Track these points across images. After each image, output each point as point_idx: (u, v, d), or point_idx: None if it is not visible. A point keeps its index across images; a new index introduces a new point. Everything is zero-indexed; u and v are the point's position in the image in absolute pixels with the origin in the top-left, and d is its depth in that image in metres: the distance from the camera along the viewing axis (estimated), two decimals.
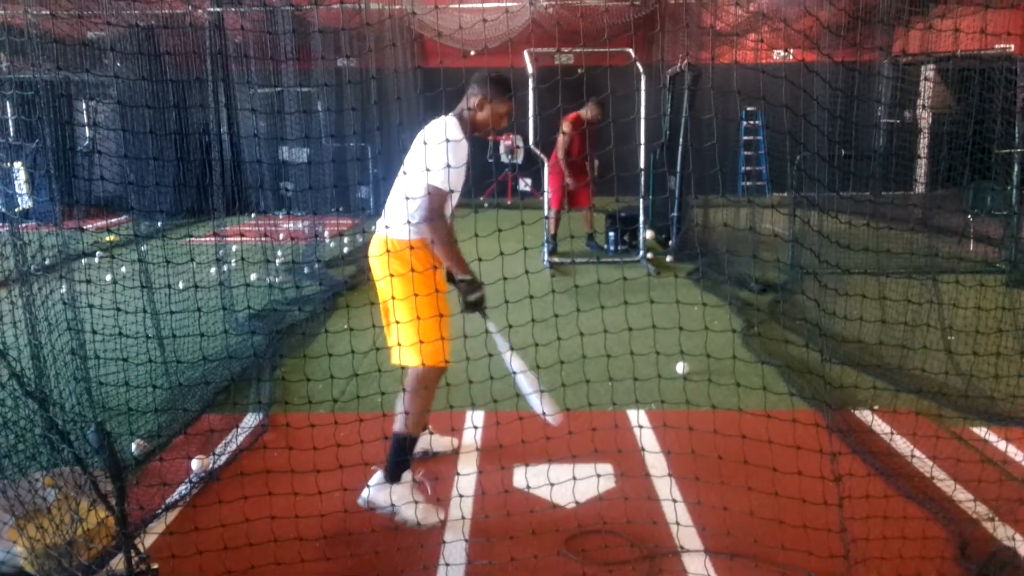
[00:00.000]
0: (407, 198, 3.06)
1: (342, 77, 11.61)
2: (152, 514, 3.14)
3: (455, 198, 3.14)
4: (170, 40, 8.03)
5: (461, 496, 3.19)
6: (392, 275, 3.08)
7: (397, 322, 3.07)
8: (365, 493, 3.15)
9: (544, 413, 3.10)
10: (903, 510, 2.99)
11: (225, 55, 9.25)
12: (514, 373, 3.15)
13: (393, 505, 3.06)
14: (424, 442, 3.62)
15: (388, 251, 3.08)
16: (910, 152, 10.55)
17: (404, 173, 3.15)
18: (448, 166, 3.01)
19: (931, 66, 10.22)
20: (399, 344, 3.09)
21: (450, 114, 3.19)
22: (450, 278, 3.24)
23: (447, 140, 3.02)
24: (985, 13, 4.65)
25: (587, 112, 8.58)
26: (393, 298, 3.09)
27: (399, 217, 3.11)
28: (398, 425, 3.12)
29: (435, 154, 3.00)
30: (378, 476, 3.15)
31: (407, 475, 3.12)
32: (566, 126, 8.54)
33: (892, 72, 9.80)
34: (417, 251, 3.07)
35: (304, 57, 11.26)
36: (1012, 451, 3.61)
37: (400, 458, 3.12)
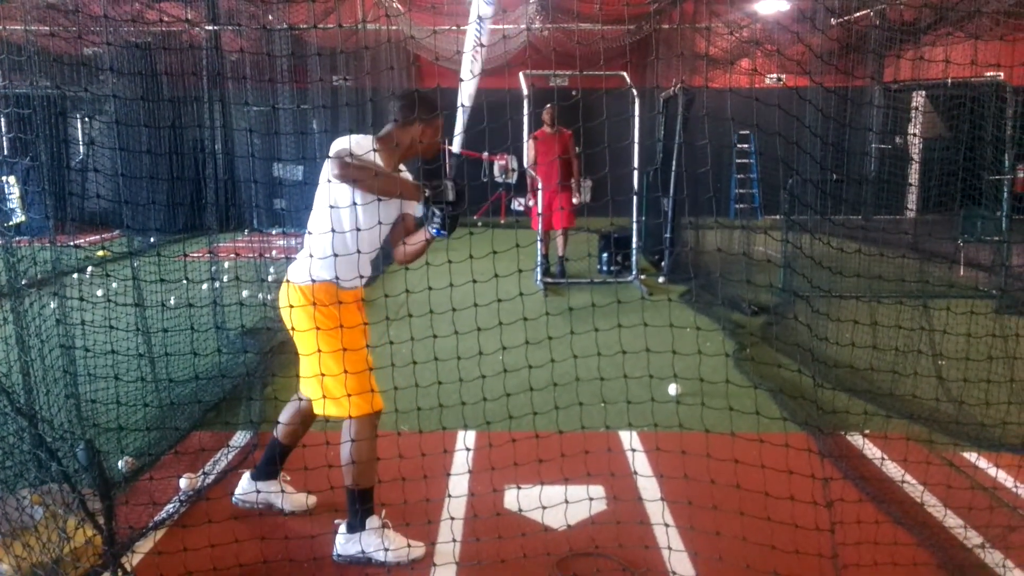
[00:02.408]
0: (330, 237, 2.88)
1: (338, 97, 11.68)
2: (140, 533, 3.11)
3: (383, 230, 2.97)
4: (167, 58, 8.08)
5: (452, 518, 3.17)
6: (295, 328, 2.92)
7: (323, 375, 2.88)
8: (336, 547, 3.00)
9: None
10: (894, 536, 3.00)
11: (222, 74, 9.28)
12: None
13: (365, 553, 2.95)
14: (275, 497, 3.32)
15: (291, 305, 2.92)
16: (901, 177, 10.65)
17: (309, 231, 2.98)
18: (350, 150, 2.81)
19: (922, 93, 10.36)
20: (323, 397, 2.93)
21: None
22: (427, 201, 2.84)
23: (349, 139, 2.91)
24: (975, 43, 4.73)
25: (545, 116, 8.60)
26: (319, 351, 2.87)
27: (302, 263, 2.95)
28: (347, 480, 2.94)
29: (335, 144, 2.88)
30: (343, 528, 3.02)
31: (372, 520, 2.98)
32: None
33: (883, 99, 9.92)
34: (320, 306, 2.88)
35: (300, 76, 11.34)
36: (1002, 477, 3.62)
37: (360, 508, 2.96)
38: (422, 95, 3.02)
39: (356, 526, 2.97)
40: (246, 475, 3.38)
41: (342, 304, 2.91)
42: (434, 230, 2.85)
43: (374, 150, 2.89)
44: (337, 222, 2.88)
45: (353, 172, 2.77)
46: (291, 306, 2.95)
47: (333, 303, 2.90)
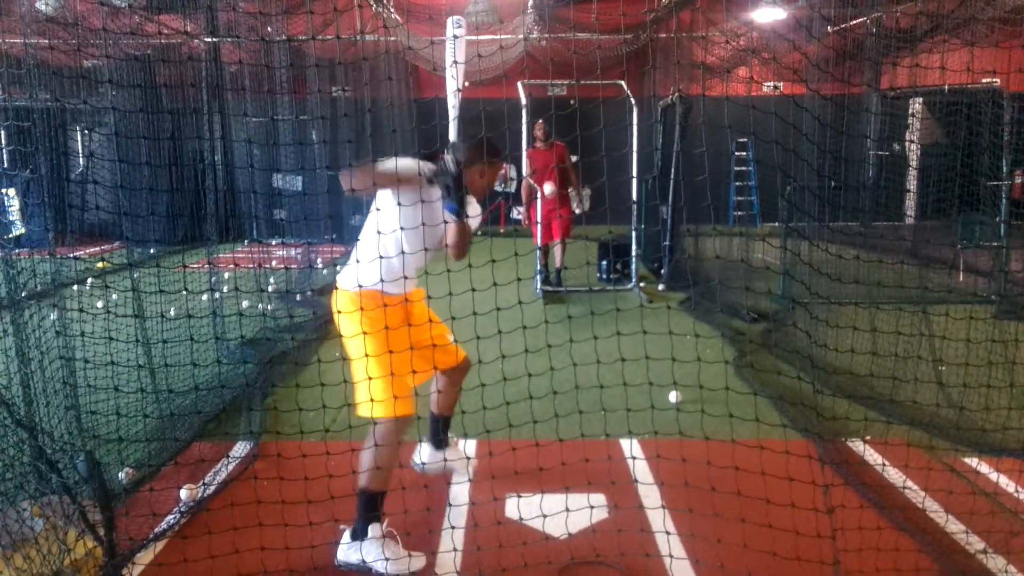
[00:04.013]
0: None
1: (337, 107, 11.71)
2: (140, 544, 3.10)
3: (428, 232, 3.02)
4: (167, 70, 8.11)
5: (453, 528, 3.16)
6: (345, 334, 3.07)
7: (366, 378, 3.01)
8: (339, 553, 3.02)
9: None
10: (896, 542, 2.99)
11: (221, 86, 9.31)
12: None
13: (365, 562, 2.95)
14: (457, 464, 3.73)
15: (339, 311, 3.08)
16: (899, 184, 10.67)
17: (358, 238, 3.10)
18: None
19: (919, 100, 10.39)
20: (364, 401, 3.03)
21: None
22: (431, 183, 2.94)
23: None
24: (971, 50, 4.75)
25: (537, 132, 8.55)
26: (367, 355, 2.99)
27: (353, 269, 3.06)
28: (363, 481, 3.00)
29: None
30: (347, 535, 3.04)
31: (374, 529, 2.98)
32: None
33: (880, 105, 9.95)
34: (368, 311, 3.00)
35: (299, 88, 11.37)
36: (1004, 482, 3.61)
37: (367, 514, 2.99)
38: (490, 142, 3.17)
39: (359, 532, 2.98)
40: (427, 445, 3.70)
41: (387, 308, 2.99)
42: (447, 209, 2.88)
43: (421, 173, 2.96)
44: (381, 224, 3.00)
45: (353, 182, 2.89)
46: (339, 311, 3.09)
47: (377, 307, 2.99)
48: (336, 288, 3.13)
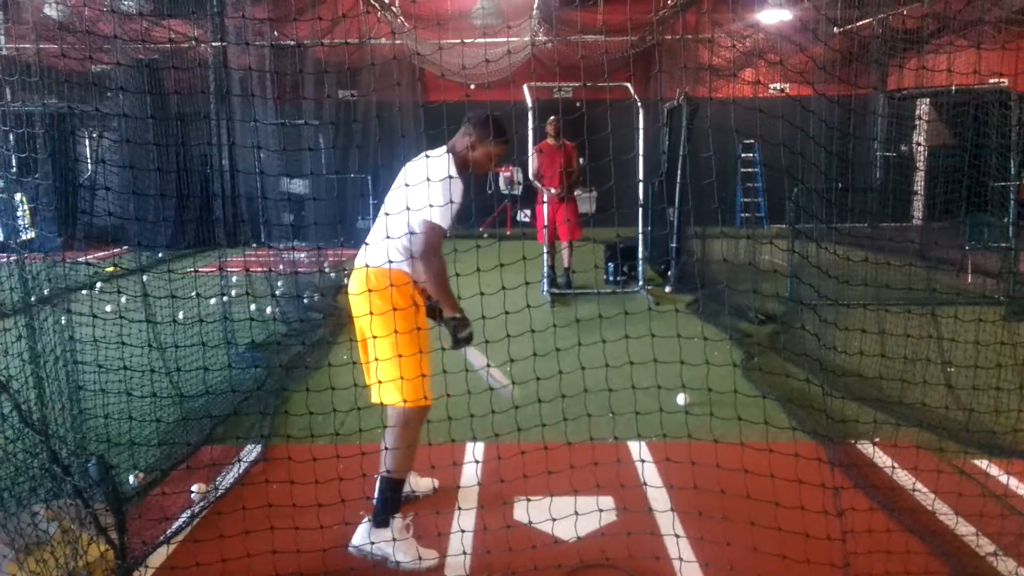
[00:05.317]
0: (405, 234, 3.05)
1: (345, 111, 11.75)
2: (152, 547, 3.12)
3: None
4: (175, 75, 8.14)
5: (462, 531, 3.17)
6: (373, 312, 3.00)
7: (376, 359, 3.01)
8: (355, 538, 3.06)
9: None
10: (906, 545, 2.99)
11: (229, 90, 9.35)
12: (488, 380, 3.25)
13: (376, 549, 2.99)
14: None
15: (370, 289, 3.04)
16: (906, 185, 10.65)
17: (386, 212, 3.09)
18: (451, 202, 2.99)
19: (926, 101, 10.37)
20: (379, 381, 3.05)
21: (443, 150, 3.18)
22: (432, 314, 3.19)
23: (449, 177, 3.01)
24: (978, 51, 4.75)
25: (548, 128, 8.57)
26: (374, 336, 3.00)
27: (383, 252, 3.05)
28: (383, 467, 3.06)
29: (437, 190, 2.97)
30: (366, 522, 3.07)
31: (396, 520, 3.04)
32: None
33: (887, 107, 9.93)
34: (399, 288, 3.04)
35: (307, 91, 11.42)
36: (1014, 484, 3.60)
37: (386, 502, 3.05)
38: (496, 121, 3.21)
39: (380, 520, 3.04)
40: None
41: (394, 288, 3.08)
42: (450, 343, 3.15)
43: (449, 176, 3.04)
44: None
45: (429, 263, 3.01)
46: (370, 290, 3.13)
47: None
48: (366, 272, 3.09)
